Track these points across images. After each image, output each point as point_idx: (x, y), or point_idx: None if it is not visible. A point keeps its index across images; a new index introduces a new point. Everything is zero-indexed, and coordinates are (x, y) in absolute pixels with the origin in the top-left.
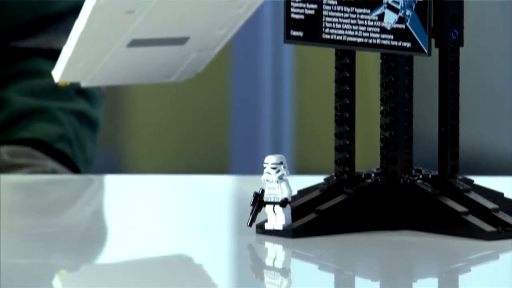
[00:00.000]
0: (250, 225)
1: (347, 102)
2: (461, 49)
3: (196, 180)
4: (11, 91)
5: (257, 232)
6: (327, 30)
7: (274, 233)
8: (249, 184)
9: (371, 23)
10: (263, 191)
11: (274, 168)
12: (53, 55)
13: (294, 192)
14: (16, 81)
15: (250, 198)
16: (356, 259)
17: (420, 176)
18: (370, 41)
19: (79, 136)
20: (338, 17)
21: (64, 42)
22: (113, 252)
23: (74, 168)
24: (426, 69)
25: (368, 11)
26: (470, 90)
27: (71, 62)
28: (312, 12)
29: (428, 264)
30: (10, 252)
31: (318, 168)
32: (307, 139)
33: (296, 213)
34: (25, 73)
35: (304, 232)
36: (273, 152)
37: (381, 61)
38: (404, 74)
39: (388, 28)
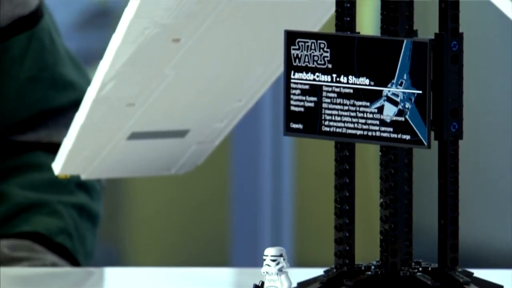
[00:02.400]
0: None
1: (347, 194)
2: (460, 141)
3: (196, 273)
4: (11, 184)
5: None
6: (326, 123)
7: None
8: (249, 277)
9: (371, 116)
10: (262, 283)
11: (273, 260)
12: (54, 148)
13: (294, 285)
14: (17, 175)
15: None
16: None
17: (420, 269)
18: (370, 133)
19: (79, 230)
20: (337, 109)
21: (64, 136)
22: None
23: (74, 261)
24: (425, 162)
25: (368, 103)
26: (470, 181)
27: (72, 154)
28: (312, 104)
29: None
30: None
31: (318, 260)
32: (307, 231)
33: None
34: (25, 166)
35: None
36: (273, 244)
37: (380, 153)
38: (404, 167)
39: (388, 120)
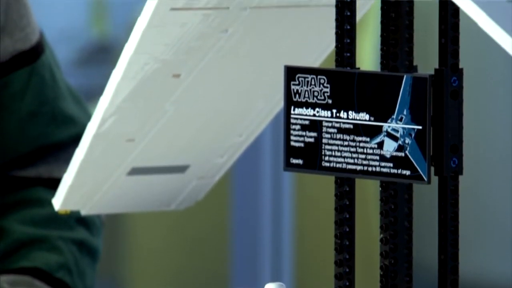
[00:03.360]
0: None
1: (347, 229)
2: (460, 176)
3: None
4: (11, 220)
5: None
6: (326, 158)
7: None
8: None
9: (371, 151)
10: None
11: None
12: (54, 184)
13: None
14: (17, 210)
15: None
16: None
17: None
18: (370, 169)
19: (79, 265)
20: (337, 145)
21: (65, 171)
22: None
23: None
24: (425, 197)
25: (368, 139)
26: (470, 217)
27: (72, 190)
28: (312, 140)
29: None
30: None
31: None
32: (307, 266)
33: None
34: (26, 202)
35: None
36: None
37: (380, 188)
38: (404, 202)
39: (388, 156)
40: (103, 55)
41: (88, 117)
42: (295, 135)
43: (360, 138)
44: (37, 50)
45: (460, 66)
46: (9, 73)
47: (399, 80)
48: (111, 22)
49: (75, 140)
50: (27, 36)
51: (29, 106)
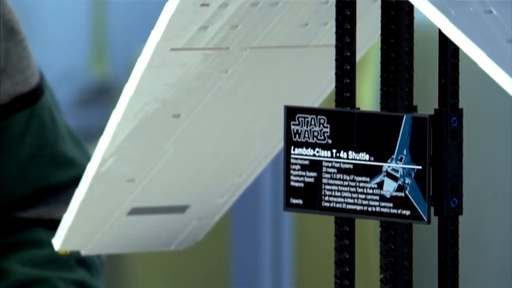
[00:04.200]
0: None
1: (347, 270)
2: (460, 217)
3: None
4: (11, 261)
5: None
6: (326, 198)
7: None
8: None
9: (371, 191)
10: None
11: None
12: (54, 225)
13: None
14: (17, 251)
15: None
16: None
17: None
18: (370, 209)
19: None
20: (337, 185)
21: (65, 212)
22: None
23: None
24: (425, 237)
25: (368, 179)
26: (470, 257)
27: (72, 230)
28: (312, 180)
29: None
30: None
31: None
32: None
33: None
34: (26, 243)
35: None
36: None
37: (380, 228)
38: (404, 242)
39: (388, 196)
40: (103, 96)
41: (87, 158)
42: (295, 175)
43: (360, 178)
44: (37, 92)
45: (460, 106)
46: (9, 116)
47: (399, 120)
48: (111, 63)
49: (75, 181)
50: (27, 79)
51: (29, 148)
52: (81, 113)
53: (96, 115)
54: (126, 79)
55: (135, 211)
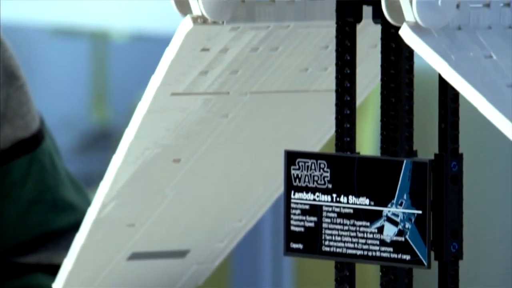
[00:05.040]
0: None
1: None
2: (460, 261)
3: None
4: None
5: None
6: (326, 243)
7: None
8: None
9: (371, 236)
10: None
11: None
12: (54, 270)
13: None
14: None
15: None
16: None
17: None
18: (370, 253)
19: None
20: (337, 229)
21: (65, 257)
22: None
23: None
24: (425, 282)
25: (368, 223)
26: None
27: (72, 275)
28: (312, 224)
29: None
30: None
31: None
32: None
33: None
34: None
35: None
36: None
37: (381, 273)
38: (404, 287)
39: (388, 240)
40: (103, 141)
41: (88, 203)
42: (295, 220)
43: (360, 223)
44: (38, 137)
45: (460, 151)
46: (9, 161)
47: (399, 165)
48: (111, 108)
49: (75, 226)
50: (28, 124)
51: (29, 194)
52: (81, 158)
53: (96, 161)
54: (126, 124)
55: (136, 256)
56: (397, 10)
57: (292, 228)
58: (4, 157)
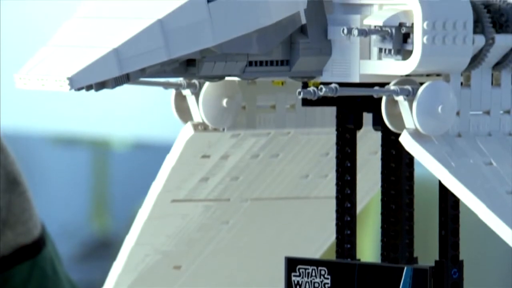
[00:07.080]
0: None
1: None
2: None
3: None
4: None
5: None
6: None
7: None
8: None
9: None
10: None
11: None
12: None
13: None
14: None
15: None
16: None
17: None
18: None
19: None
20: None
21: None
22: None
23: None
24: None
25: None
26: None
27: None
28: None
29: None
30: None
31: None
32: None
33: None
34: None
35: None
36: None
37: None
38: None
39: None
40: (103, 250)
41: None
42: None
43: None
44: (39, 243)
45: (461, 258)
46: (10, 267)
47: (399, 272)
48: (111, 216)
49: None
50: (29, 230)
51: None
52: (82, 267)
53: (97, 269)
54: (127, 232)
55: None
56: (397, 117)
57: None
58: (5, 263)
